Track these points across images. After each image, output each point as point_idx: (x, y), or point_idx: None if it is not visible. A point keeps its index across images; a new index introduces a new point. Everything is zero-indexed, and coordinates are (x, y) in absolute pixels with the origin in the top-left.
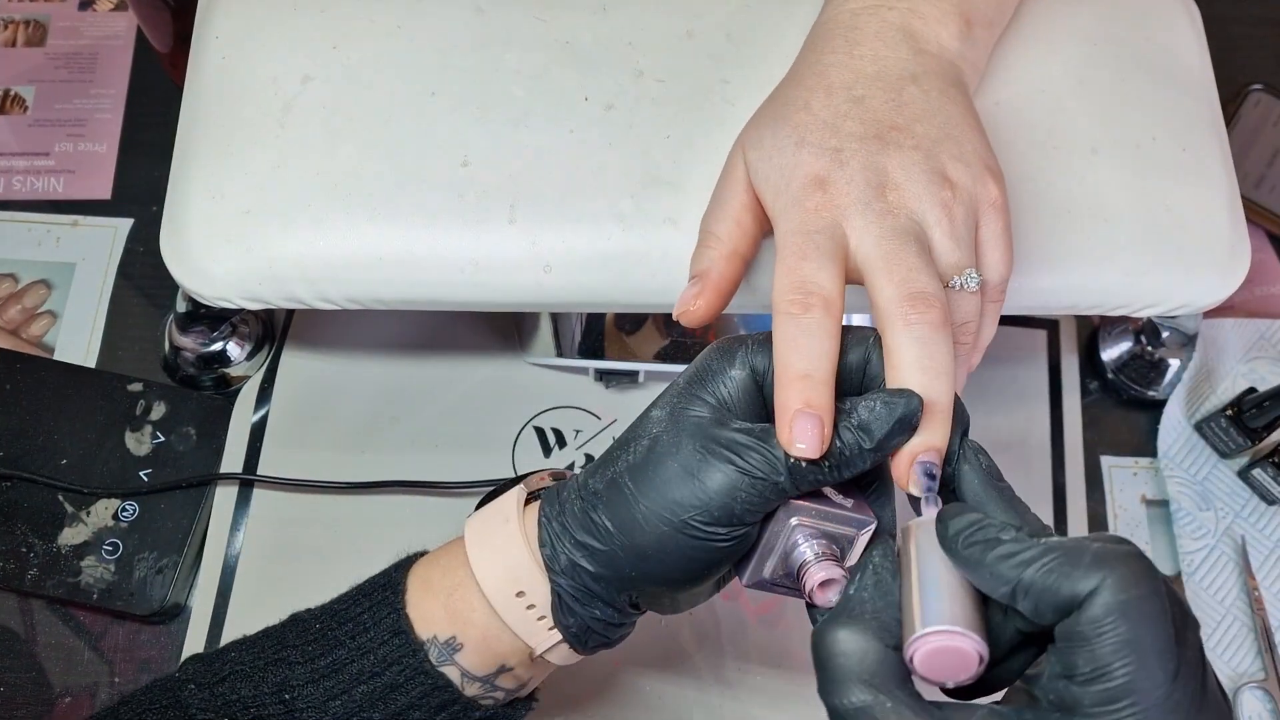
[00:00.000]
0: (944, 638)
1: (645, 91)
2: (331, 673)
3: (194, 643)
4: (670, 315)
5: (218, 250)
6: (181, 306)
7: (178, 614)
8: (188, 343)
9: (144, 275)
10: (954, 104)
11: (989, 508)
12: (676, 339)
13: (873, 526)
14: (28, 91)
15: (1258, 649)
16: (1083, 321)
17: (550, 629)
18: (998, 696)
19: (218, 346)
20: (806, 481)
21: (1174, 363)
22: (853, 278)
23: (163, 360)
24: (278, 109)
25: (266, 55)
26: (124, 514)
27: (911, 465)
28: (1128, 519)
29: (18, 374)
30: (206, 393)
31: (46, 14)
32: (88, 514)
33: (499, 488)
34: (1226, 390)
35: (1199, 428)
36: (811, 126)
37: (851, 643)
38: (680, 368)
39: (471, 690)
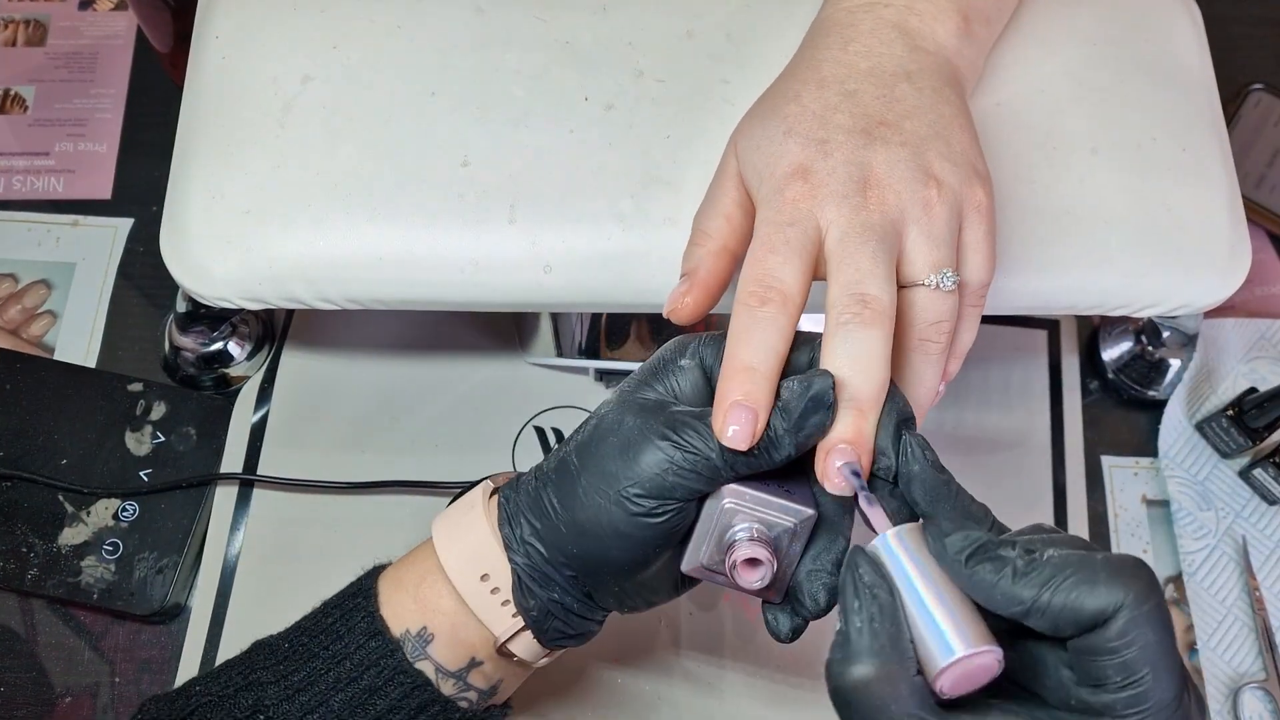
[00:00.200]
0: (970, 660)
1: (645, 91)
2: (307, 686)
3: (194, 642)
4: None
5: (218, 250)
6: (181, 306)
7: (178, 614)
8: (188, 343)
9: (144, 275)
10: (946, 104)
11: (942, 504)
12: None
13: (813, 518)
14: (28, 91)
15: (1258, 649)
16: (1083, 321)
17: (514, 615)
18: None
19: (218, 346)
20: (738, 461)
21: (1174, 363)
22: (820, 272)
23: (163, 360)
24: (278, 109)
25: (266, 55)
26: (124, 514)
27: (829, 457)
28: (1128, 519)
29: (18, 374)
30: (206, 393)
31: (46, 14)
32: (88, 514)
33: (465, 489)
34: (1227, 390)
35: (1200, 428)
36: (800, 118)
37: (881, 681)
38: None
39: (446, 689)
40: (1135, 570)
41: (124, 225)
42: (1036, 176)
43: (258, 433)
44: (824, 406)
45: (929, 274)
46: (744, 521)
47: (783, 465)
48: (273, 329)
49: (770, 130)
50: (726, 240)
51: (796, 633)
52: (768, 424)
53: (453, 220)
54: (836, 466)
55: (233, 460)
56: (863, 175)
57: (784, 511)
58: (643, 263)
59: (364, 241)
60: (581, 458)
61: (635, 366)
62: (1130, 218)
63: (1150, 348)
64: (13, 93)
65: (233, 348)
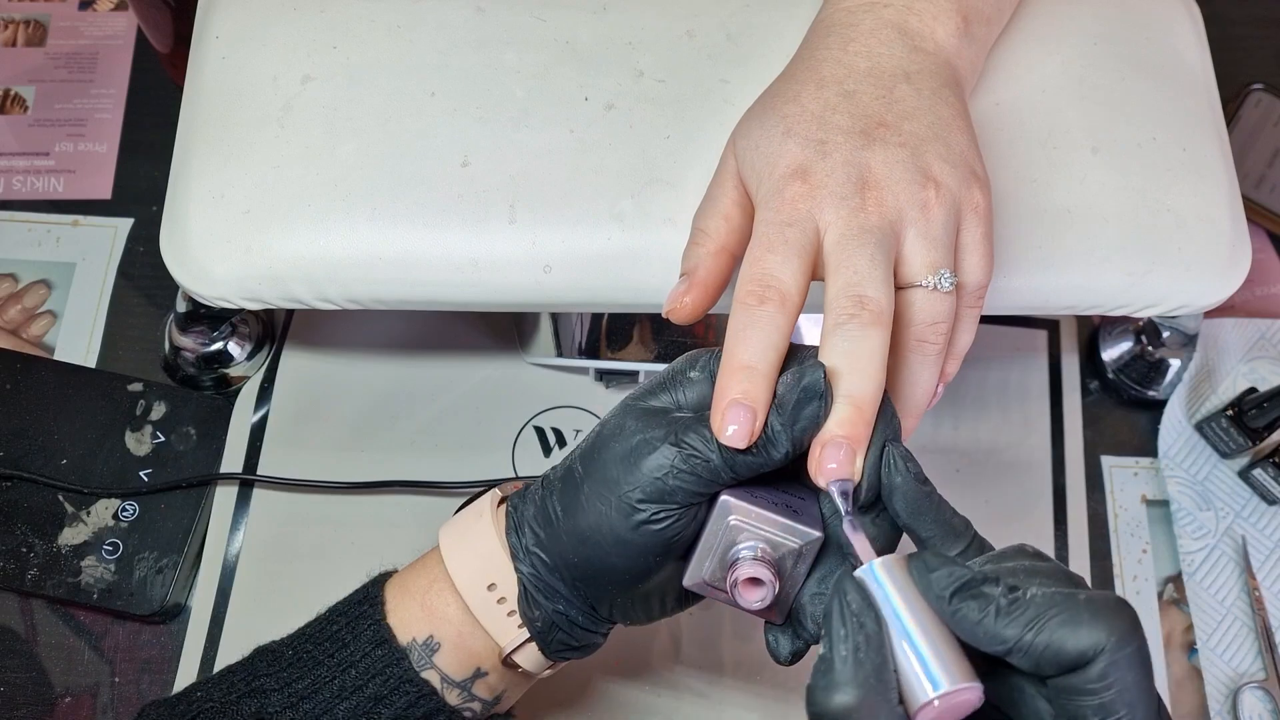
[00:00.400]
0: (953, 697)
1: (645, 91)
2: (311, 694)
3: (194, 642)
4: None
5: (218, 250)
6: (181, 306)
7: (178, 614)
8: (188, 343)
9: (144, 275)
10: (946, 105)
11: (923, 516)
12: (676, 339)
13: (819, 541)
14: (28, 91)
15: (1258, 649)
16: (1083, 321)
17: (519, 626)
18: None
19: (218, 346)
20: (738, 461)
21: (1174, 363)
22: (819, 274)
23: (163, 360)
24: (278, 109)
25: (266, 55)
26: (124, 514)
27: (823, 450)
28: (1128, 519)
29: (18, 374)
30: (206, 393)
31: (46, 14)
32: (88, 514)
33: (473, 497)
34: (1227, 390)
35: (1200, 428)
36: (799, 118)
37: (858, 709)
38: None
39: (451, 699)
40: (1118, 611)
41: (124, 225)
42: (1036, 176)
43: (258, 433)
44: (816, 396)
45: (926, 275)
46: (749, 540)
47: (782, 464)
48: (273, 329)
49: (769, 130)
50: (725, 240)
51: (797, 656)
52: (766, 421)
53: (453, 220)
54: (828, 479)
55: (233, 460)
56: (861, 176)
57: (790, 532)
58: (643, 263)
59: (364, 241)
60: (585, 465)
61: (635, 366)
62: (1130, 217)
63: (1150, 348)
64: (13, 93)
65: (233, 348)
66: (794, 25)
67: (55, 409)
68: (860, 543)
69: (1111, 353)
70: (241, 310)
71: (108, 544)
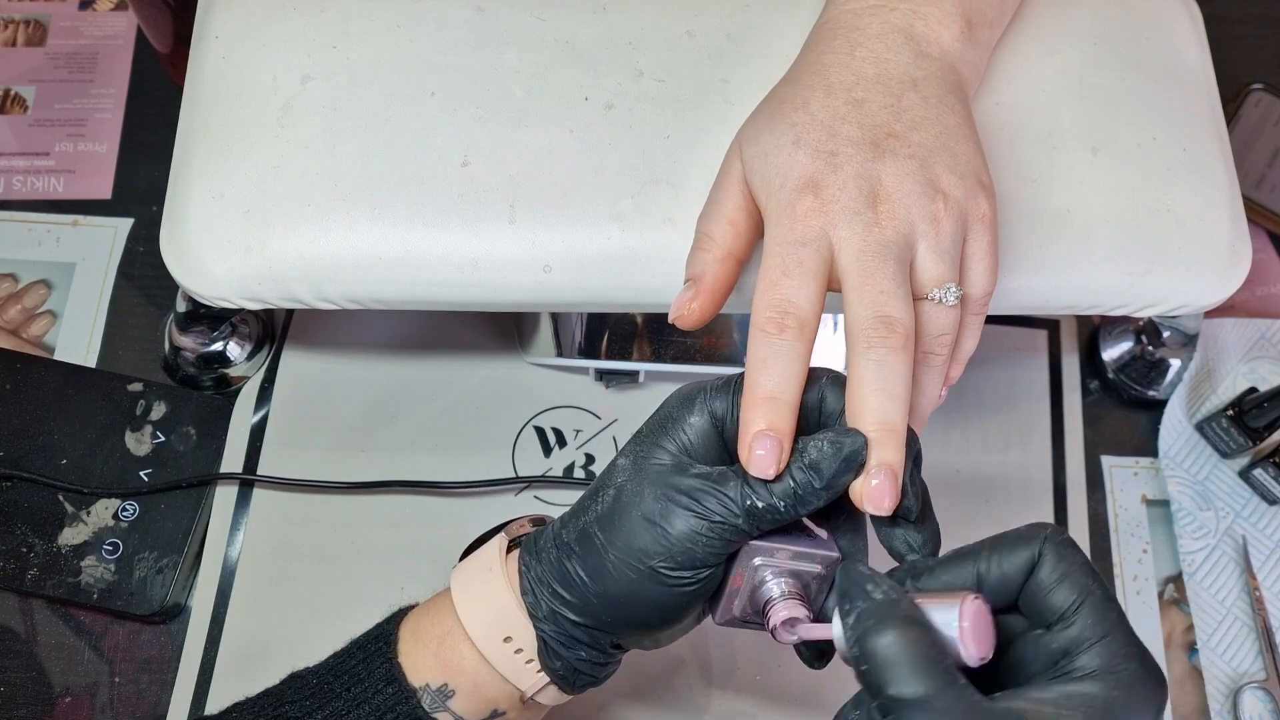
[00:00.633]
0: (972, 604)
1: (645, 91)
2: None
3: (194, 642)
4: (669, 316)
5: (218, 250)
6: (181, 306)
7: (178, 614)
8: (188, 343)
9: (144, 275)
10: (953, 113)
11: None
12: (676, 339)
13: (838, 560)
14: (28, 91)
15: (1258, 649)
16: (1083, 321)
17: (538, 671)
18: None
19: (218, 346)
20: (764, 521)
21: (1175, 363)
22: (834, 286)
23: (163, 360)
24: (278, 109)
25: (266, 55)
26: (124, 514)
27: (868, 483)
28: (1128, 519)
29: (18, 374)
30: (206, 393)
31: (46, 14)
32: (88, 514)
33: (482, 536)
34: (1227, 390)
35: (1200, 428)
36: (809, 127)
37: (909, 630)
38: (681, 367)
39: None
40: (1039, 525)
41: (124, 225)
42: (1037, 176)
43: (258, 433)
44: (856, 466)
45: (933, 288)
46: (775, 578)
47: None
48: (273, 329)
49: (778, 138)
50: (731, 246)
51: (826, 658)
52: (796, 481)
53: (453, 220)
54: (880, 486)
55: (233, 460)
56: (872, 189)
57: (810, 559)
58: (643, 263)
59: (364, 241)
60: (606, 532)
61: (635, 366)
62: (1130, 218)
63: (1150, 348)
64: (13, 93)
65: (233, 348)
66: (794, 25)
67: (55, 409)
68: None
69: (1112, 353)
70: (241, 310)
71: (108, 544)
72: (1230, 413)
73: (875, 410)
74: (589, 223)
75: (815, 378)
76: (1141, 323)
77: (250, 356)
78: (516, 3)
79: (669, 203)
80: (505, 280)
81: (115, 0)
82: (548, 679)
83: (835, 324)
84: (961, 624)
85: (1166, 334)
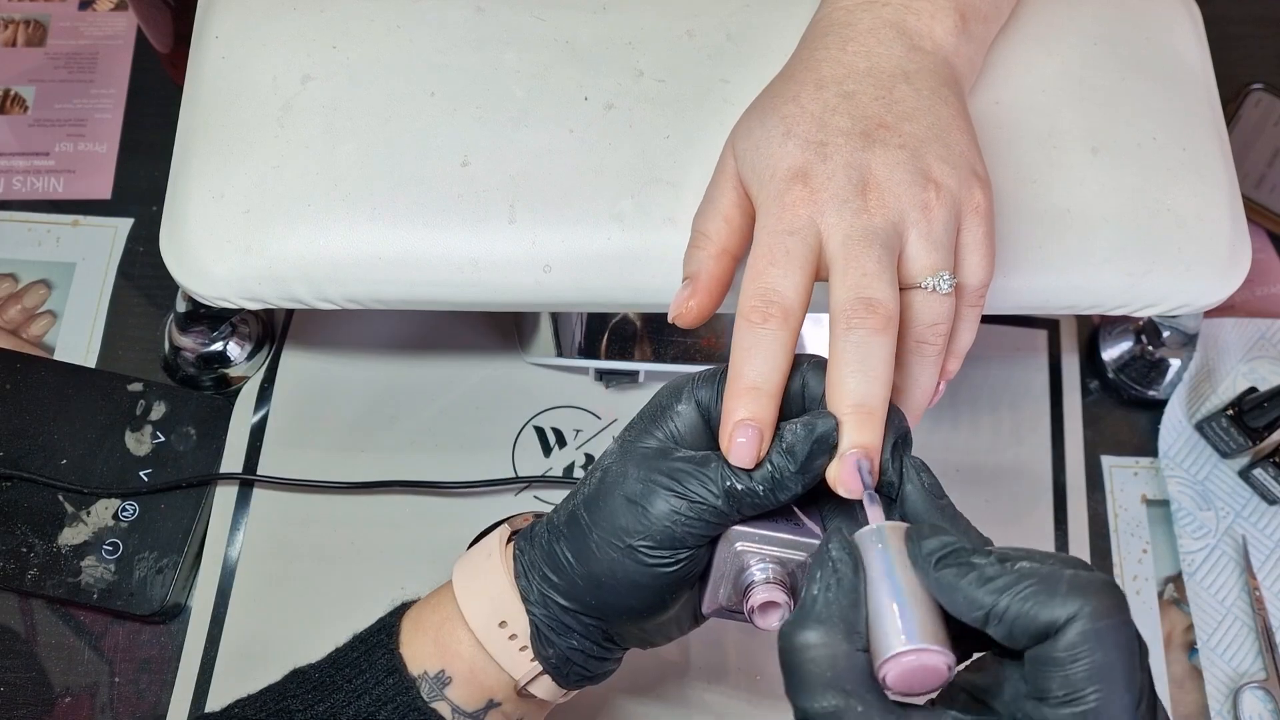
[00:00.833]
0: (920, 656)
1: (645, 91)
2: (329, 717)
3: (194, 642)
4: (668, 315)
5: (218, 250)
6: (181, 306)
7: (178, 614)
8: (188, 343)
9: (144, 275)
10: (945, 105)
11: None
12: (676, 339)
13: (827, 534)
14: (28, 91)
15: (1258, 649)
16: (1083, 321)
17: (532, 660)
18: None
19: (218, 346)
20: (744, 504)
21: (1175, 362)
22: (822, 275)
23: (163, 360)
24: (278, 109)
25: (266, 55)
26: (124, 514)
27: (843, 464)
28: (1128, 519)
29: (18, 374)
30: (206, 393)
31: (46, 14)
32: (88, 514)
33: (488, 529)
34: (1227, 390)
35: (1200, 427)
36: (799, 119)
37: (821, 646)
38: (681, 367)
39: None
40: (1099, 588)
41: (124, 225)
42: (1036, 176)
43: (258, 433)
44: (829, 448)
45: (926, 277)
46: (758, 563)
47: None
48: (273, 329)
49: (769, 132)
50: (726, 242)
51: None
52: (774, 465)
53: (453, 220)
54: (849, 467)
55: (233, 460)
56: (862, 178)
57: (795, 546)
58: (643, 262)
59: (364, 241)
60: (591, 512)
61: (635, 366)
62: (1130, 217)
63: (1150, 347)
64: (13, 93)
65: (233, 348)
66: (794, 25)
67: (55, 409)
68: (875, 511)
69: (1111, 352)
70: (241, 310)
71: (108, 544)
72: (1230, 412)
73: (852, 391)
74: (589, 223)
75: (797, 364)
76: (1141, 323)
77: (250, 356)
78: (516, 3)
79: (669, 202)
80: (505, 280)
81: (115, 0)
82: (541, 668)
83: None
84: (884, 676)
85: (1166, 334)
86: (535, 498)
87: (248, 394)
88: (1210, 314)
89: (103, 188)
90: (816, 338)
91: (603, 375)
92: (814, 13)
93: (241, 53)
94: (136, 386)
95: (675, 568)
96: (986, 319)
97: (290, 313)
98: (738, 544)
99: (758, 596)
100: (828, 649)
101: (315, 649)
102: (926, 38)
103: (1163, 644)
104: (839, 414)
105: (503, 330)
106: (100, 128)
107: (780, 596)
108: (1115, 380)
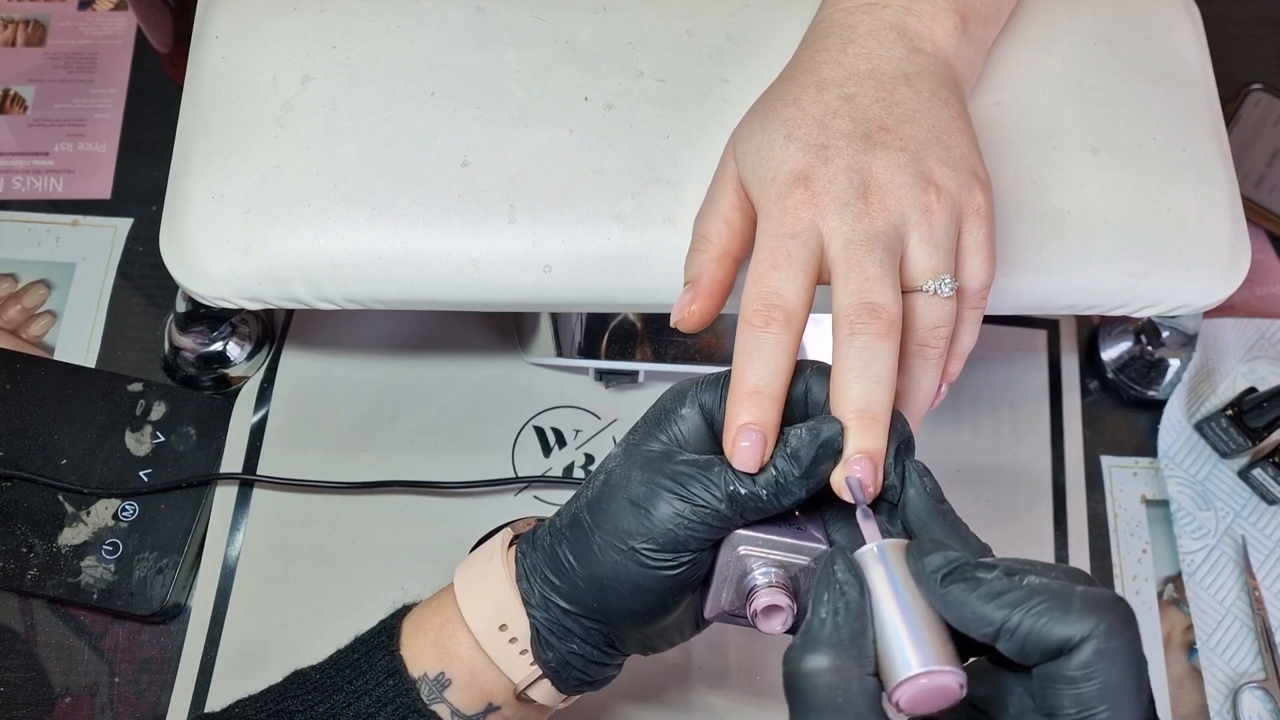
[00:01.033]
0: (932, 678)
1: (645, 91)
2: (329, 718)
3: (194, 642)
4: (669, 316)
5: (217, 250)
6: (181, 306)
7: (178, 614)
8: (188, 343)
9: (144, 275)
10: (946, 107)
11: (933, 531)
12: (676, 339)
13: (827, 553)
14: (28, 91)
15: (1258, 649)
16: (1083, 321)
17: (532, 664)
18: None
19: (218, 346)
20: (747, 509)
21: (1174, 363)
22: (824, 278)
23: (163, 360)
24: (277, 109)
25: (266, 55)
26: (124, 514)
27: (847, 468)
28: (1128, 519)
29: (18, 374)
30: (206, 393)
31: (46, 14)
32: (88, 514)
33: (491, 532)
34: (1227, 390)
35: (1199, 428)
36: (800, 122)
37: (832, 671)
38: (681, 368)
39: None
40: (1111, 605)
41: (124, 225)
42: (1036, 176)
43: (258, 433)
44: (834, 453)
45: (927, 280)
46: (760, 566)
47: (791, 509)
48: (273, 329)
49: (770, 134)
50: (727, 245)
51: None
52: (778, 469)
53: (453, 220)
54: (842, 481)
55: (233, 460)
56: (863, 181)
57: (798, 551)
58: (643, 263)
59: (364, 241)
60: (593, 515)
61: (635, 366)
62: (1130, 218)
63: (1150, 348)
64: (13, 93)
65: (233, 348)
66: (794, 25)
67: (55, 409)
68: (870, 529)
69: (1111, 353)
70: (241, 310)
71: (108, 544)
72: (1230, 413)
73: (856, 396)
74: (589, 223)
75: (800, 369)
76: (1141, 323)
77: (250, 356)
78: (516, 3)
79: (669, 203)
80: (505, 280)
81: (115, 0)
82: (540, 671)
83: None
84: (898, 700)
85: (1166, 334)
86: (535, 498)
87: (248, 394)
88: (1210, 314)
89: (102, 188)
90: (816, 339)
91: (603, 375)
92: (814, 13)
93: (241, 53)
94: (136, 386)
95: (677, 571)
96: (986, 319)
97: (290, 313)
98: (740, 548)
99: (760, 600)
100: (839, 674)
101: (315, 649)
102: (927, 39)
103: (1162, 644)
104: (843, 419)
105: (503, 330)
106: (100, 128)
107: (783, 600)
108: (1115, 380)
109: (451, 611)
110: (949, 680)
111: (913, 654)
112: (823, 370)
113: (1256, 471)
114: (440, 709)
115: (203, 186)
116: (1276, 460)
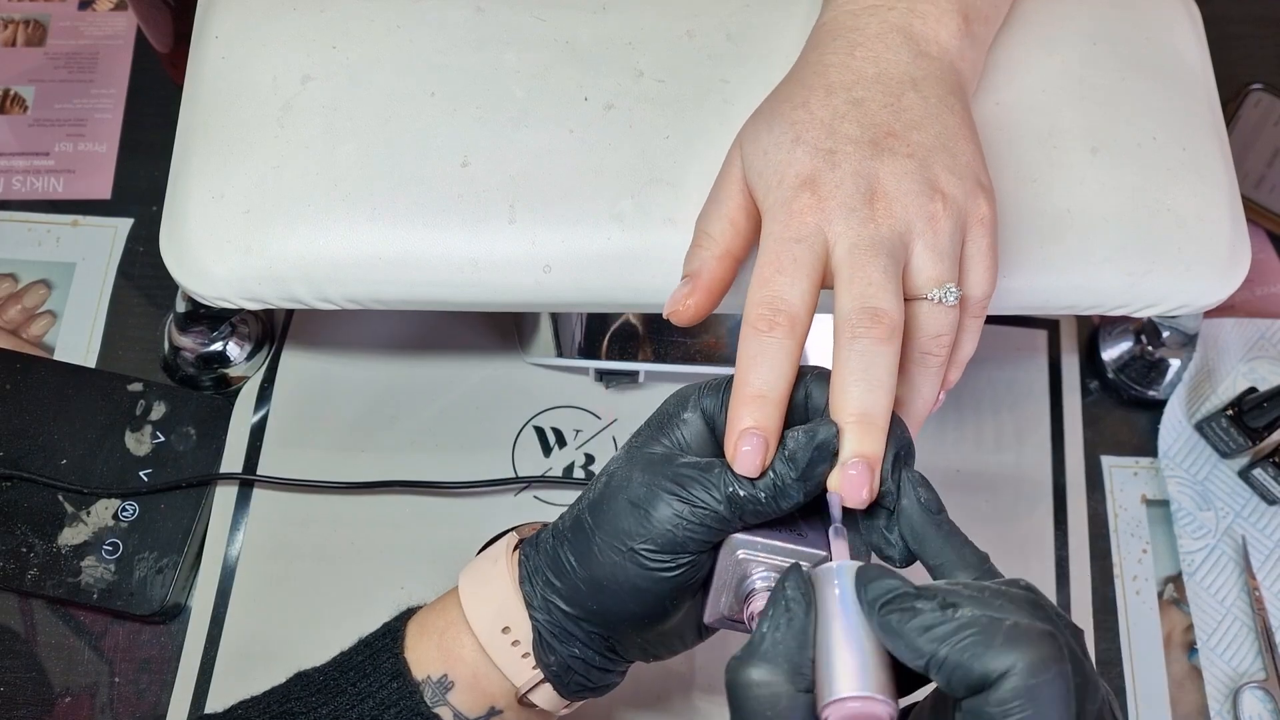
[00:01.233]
0: (861, 704)
1: (645, 91)
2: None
3: (194, 642)
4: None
5: (218, 250)
6: (181, 306)
7: (178, 614)
8: (188, 343)
9: (144, 275)
10: (952, 113)
11: (928, 543)
12: (676, 340)
13: (825, 559)
14: (28, 91)
15: (1258, 649)
16: (1083, 321)
17: (534, 667)
18: None
19: (218, 346)
20: (746, 511)
21: (1174, 363)
22: (828, 282)
23: (163, 360)
24: (277, 109)
25: (266, 55)
26: (124, 514)
27: (844, 473)
28: (1128, 519)
29: (18, 374)
30: (206, 393)
31: (46, 14)
32: (88, 514)
33: (497, 536)
34: (1227, 390)
35: (1199, 428)
36: (808, 125)
37: (764, 685)
38: (681, 368)
39: None
40: (1036, 641)
41: (124, 225)
42: (1036, 175)
43: (258, 433)
44: (829, 455)
45: (931, 288)
46: (759, 571)
47: (790, 512)
48: (273, 329)
49: (778, 137)
50: (730, 245)
51: None
52: (776, 472)
53: (452, 220)
54: (846, 481)
55: (233, 460)
56: (870, 187)
57: (796, 555)
58: (643, 263)
59: (364, 241)
60: (595, 516)
61: (635, 366)
62: (1130, 218)
63: (1150, 348)
64: (13, 93)
65: (233, 348)
66: (794, 25)
67: (55, 409)
68: (839, 546)
69: (1111, 353)
70: (241, 310)
71: (108, 544)
72: (1230, 413)
73: (855, 400)
74: (589, 223)
75: (801, 374)
76: (1141, 323)
77: (250, 356)
78: (516, 3)
79: (669, 203)
80: (505, 280)
81: (115, 0)
82: (542, 675)
83: None
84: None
85: (1166, 334)
86: (535, 498)
87: (248, 394)
88: (1210, 314)
89: (102, 188)
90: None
91: (603, 375)
92: (814, 13)
93: (241, 53)
94: (136, 386)
95: (676, 573)
96: (986, 319)
97: (290, 313)
98: (739, 552)
99: (757, 604)
100: (770, 689)
101: (315, 649)
102: (933, 43)
103: (1163, 644)
104: (841, 423)
105: (503, 330)
106: (100, 128)
107: None
108: (1115, 380)
109: (456, 614)
110: (878, 709)
111: (845, 677)
112: (823, 376)
113: (1257, 471)
114: (443, 712)
115: (203, 186)
116: (1277, 460)
